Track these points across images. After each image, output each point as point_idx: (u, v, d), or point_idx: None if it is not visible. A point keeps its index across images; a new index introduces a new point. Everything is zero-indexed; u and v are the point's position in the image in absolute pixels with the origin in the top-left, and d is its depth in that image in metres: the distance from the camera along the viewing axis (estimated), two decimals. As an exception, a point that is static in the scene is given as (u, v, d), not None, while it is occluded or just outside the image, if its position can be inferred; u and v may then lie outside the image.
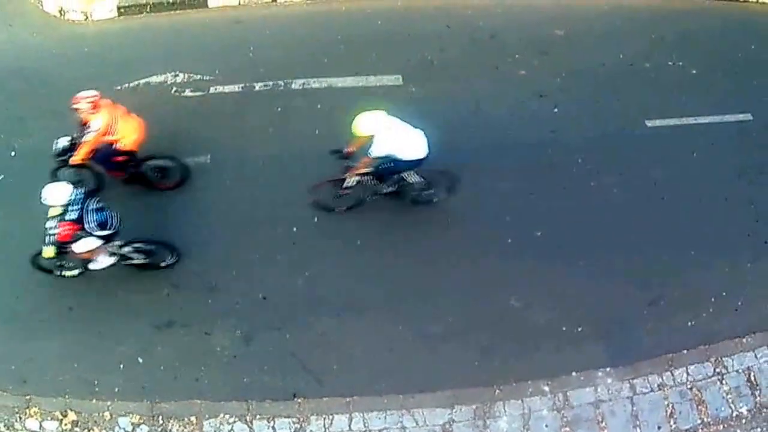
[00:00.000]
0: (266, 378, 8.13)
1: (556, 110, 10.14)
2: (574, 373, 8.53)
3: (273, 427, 7.94)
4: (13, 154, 9.38)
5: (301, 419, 7.96)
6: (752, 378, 9.05)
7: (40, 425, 7.85)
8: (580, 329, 8.77)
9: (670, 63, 10.66)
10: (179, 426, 7.93)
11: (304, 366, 8.22)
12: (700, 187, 9.97)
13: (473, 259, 8.99)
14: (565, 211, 9.42)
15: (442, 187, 9.01)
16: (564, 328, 8.73)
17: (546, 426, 8.26)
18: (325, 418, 7.97)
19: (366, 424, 8.00)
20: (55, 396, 7.94)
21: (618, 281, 9.14)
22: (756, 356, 9.19)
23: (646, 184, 9.78)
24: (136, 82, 9.85)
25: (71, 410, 7.89)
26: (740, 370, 9.05)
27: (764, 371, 9.11)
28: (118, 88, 9.63)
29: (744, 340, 9.22)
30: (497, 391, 8.32)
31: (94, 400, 7.93)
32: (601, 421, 8.39)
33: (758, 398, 8.95)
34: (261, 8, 10.99)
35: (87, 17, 10.73)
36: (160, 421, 7.92)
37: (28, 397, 7.93)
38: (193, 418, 7.94)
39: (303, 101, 9.83)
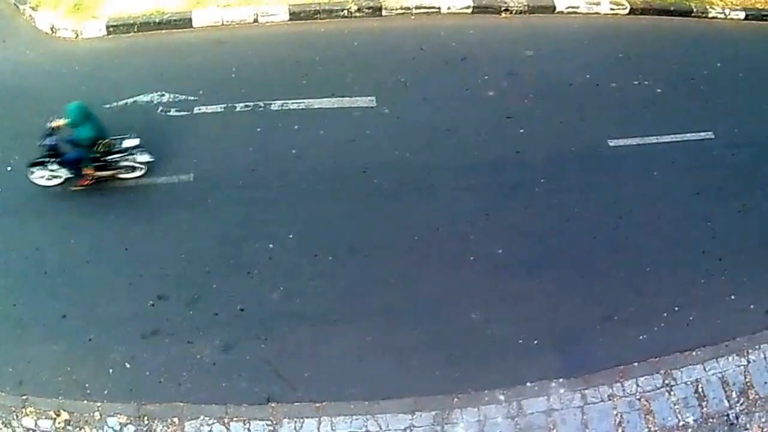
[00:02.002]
0: (243, 384, 8.74)
1: (522, 131, 10.64)
2: (528, 383, 9.13)
3: (248, 429, 8.56)
4: (9, 169, 9.92)
5: (274, 422, 8.59)
6: (700, 389, 9.65)
7: (36, 423, 8.48)
8: (536, 342, 9.37)
9: (635, 82, 11.08)
10: (163, 426, 8.58)
11: (278, 373, 8.84)
12: (658, 205, 10.49)
13: (438, 275, 9.58)
14: (526, 229, 9.98)
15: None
16: (521, 341, 9.33)
17: (503, 433, 8.91)
18: (296, 422, 8.59)
19: (333, 428, 8.62)
20: (49, 397, 8.54)
21: (574, 297, 9.72)
22: (705, 369, 9.79)
23: (605, 203, 10.32)
24: (125, 102, 10.41)
25: (64, 410, 8.51)
26: (688, 382, 9.64)
27: (712, 383, 9.71)
28: (108, 106, 10.21)
29: (694, 353, 9.81)
30: (455, 399, 8.93)
31: (85, 401, 8.55)
32: (553, 429, 9.00)
33: (705, 409, 9.55)
34: (243, 28, 11.55)
35: (77, 35, 11.27)
36: (146, 422, 8.55)
37: (24, 397, 8.55)
38: (175, 419, 8.57)
39: (281, 122, 10.39)
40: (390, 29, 11.49)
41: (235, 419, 8.57)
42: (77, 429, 8.46)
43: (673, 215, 10.49)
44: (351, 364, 9.00)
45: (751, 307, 10.24)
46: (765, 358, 10.06)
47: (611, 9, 12.36)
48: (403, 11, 11.93)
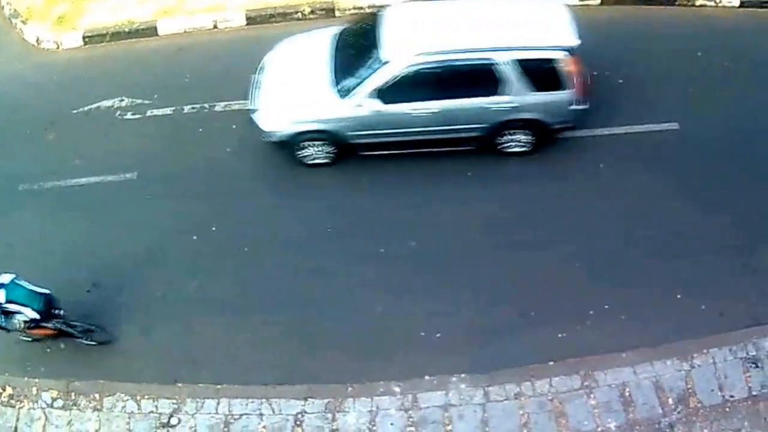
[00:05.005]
0: (156, 364, 9.40)
1: None
2: (427, 377, 9.04)
3: (156, 406, 9.18)
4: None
5: (179, 401, 9.15)
6: (627, 394, 9.02)
7: (-16, 397, 9.57)
8: (438, 335, 9.24)
9: (595, 72, 10.56)
10: (86, 401, 9.37)
11: (187, 356, 9.42)
12: (603, 197, 9.95)
13: (348, 268, 9.76)
14: (446, 221, 9.88)
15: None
16: (423, 334, 9.24)
17: (392, 424, 8.85)
18: (197, 401, 9.11)
19: (230, 409, 9.05)
20: (-2, 374, 9.55)
21: (489, 291, 9.49)
22: (635, 372, 9.14)
23: (546, 195, 9.97)
24: (89, 107, 11.42)
25: (9, 386, 9.47)
26: (613, 385, 9.06)
27: (642, 388, 9.05)
28: (75, 111, 11.32)
29: (623, 355, 9.20)
30: (350, 388, 9.04)
31: (25, 378, 9.48)
32: (448, 424, 8.83)
33: (631, 415, 8.92)
34: (204, 35, 12.32)
35: (58, 46, 12.53)
36: (73, 397, 9.37)
37: (-26, 374, 9.55)
38: (96, 395, 9.34)
39: (221, 122, 11.05)
40: None
41: (146, 397, 9.23)
42: (18, 402, 9.38)
43: (619, 208, 9.92)
44: (255, 350, 9.42)
45: (702, 308, 9.43)
46: (714, 363, 9.23)
47: (580, 0, 11.90)
48: (355, 11, 12.16)
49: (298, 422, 8.91)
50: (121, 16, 12.39)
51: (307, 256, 9.93)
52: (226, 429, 8.91)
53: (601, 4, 11.86)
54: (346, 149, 10.26)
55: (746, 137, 10.39)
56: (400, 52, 9.53)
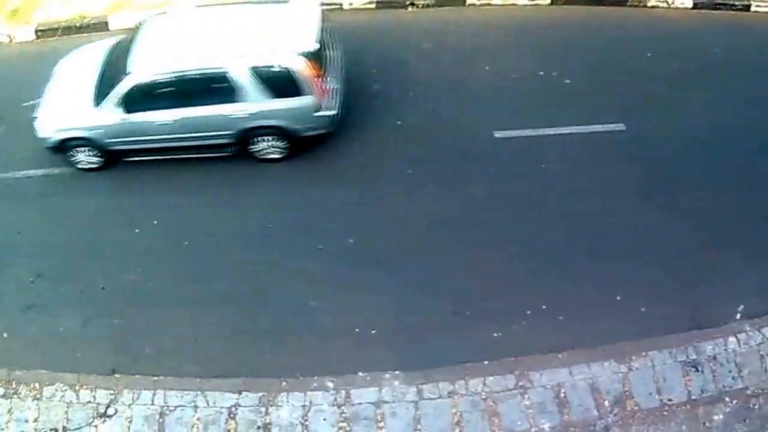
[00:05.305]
0: (95, 355, 9.44)
1: (399, 123, 10.50)
2: (360, 373, 9.03)
3: (94, 396, 9.21)
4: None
5: (116, 392, 9.18)
6: (562, 395, 8.97)
7: (-69, 384, 9.60)
8: (374, 332, 9.23)
9: (541, 73, 10.55)
10: (26, 390, 9.41)
11: (126, 348, 9.46)
12: (543, 198, 9.91)
13: (286, 263, 9.77)
14: (384, 219, 9.87)
15: None
16: (357, 330, 9.23)
17: (324, 420, 8.84)
18: (134, 392, 9.14)
19: (165, 401, 9.07)
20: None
21: (425, 289, 9.48)
22: (570, 373, 9.09)
23: (481, 195, 9.93)
24: (39, 101, 11.25)
25: (-46, 373, 9.55)
26: (548, 386, 9.01)
27: (578, 389, 9.00)
28: (25, 104, 11.36)
29: (559, 355, 9.15)
30: (283, 382, 9.04)
31: (-31, 367, 9.53)
32: (380, 421, 8.81)
33: (566, 416, 8.88)
34: None
35: (11, 40, 12.67)
36: (14, 386, 9.42)
37: None
38: (36, 384, 9.38)
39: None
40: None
41: (84, 387, 9.28)
42: (-38, 389, 9.46)
43: (561, 208, 9.86)
44: (191, 343, 9.44)
45: (642, 309, 9.38)
46: (653, 366, 9.16)
47: (530, 0, 11.81)
48: None
49: (231, 415, 8.93)
50: (73, 11, 12.53)
51: (245, 248, 9.95)
52: (161, 420, 8.94)
53: (552, 3, 11.79)
54: (112, 155, 10.58)
55: (693, 139, 10.34)
56: (138, 64, 9.95)
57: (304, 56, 9.54)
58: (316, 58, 9.59)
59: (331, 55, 10.13)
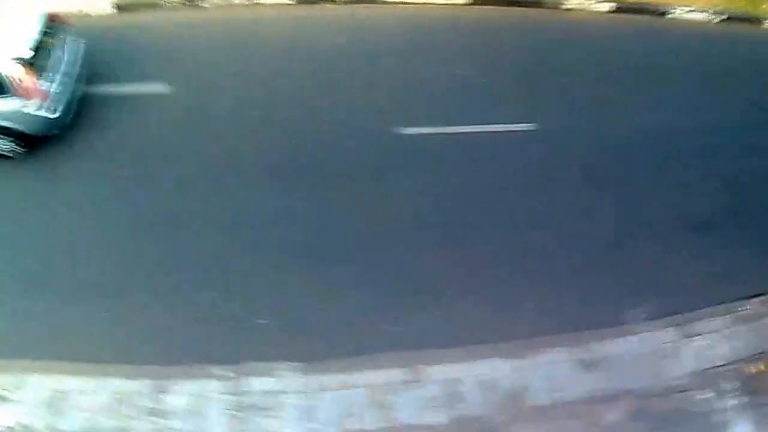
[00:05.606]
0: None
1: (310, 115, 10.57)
2: (257, 363, 9.04)
3: (-4, 380, 9.13)
4: None
5: (12, 375, 9.07)
6: (456, 390, 9.06)
7: None
8: (274, 323, 9.23)
9: (455, 72, 10.66)
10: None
11: (22, 333, 9.28)
12: (450, 195, 9.97)
13: (191, 252, 9.73)
14: (290, 211, 9.88)
15: None
16: (259, 321, 9.24)
17: (219, 408, 8.86)
18: (30, 376, 9.01)
19: (61, 385, 8.98)
20: None
21: (325, 284, 9.52)
22: (464, 368, 9.22)
23: (384, 192, 10.01)
24: None
25: None
26: (443, 381, 9.09)
27: (471, 384, 9.16)
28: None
29: (455, 351, 9.25)
30: (179, 369, 9.02)
31: None
32: (275, 410, 8.84)
33: (460, 411, 8.98)
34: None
35: None
36: None
37: None
38: None
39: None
40: (208, 20, 11.79)
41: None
42: None
43: (461, 205, 9.95)
44: (88, 329, 9.35)
45: (539, 308, 9.53)
46: (548, 364, 9.28)
47: (448, -1, 11.92)
48: (222, 3, 12.14)
49: (126, 401, 8.89)
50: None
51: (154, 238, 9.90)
52: (56, 405, 8.88)
53: (469, 3, 11.88)
54: None
55: (602, 139, 10.48)
56: None
57: (16, 61, 9.94)
58: (30, 63, 10.01)
59: (61, 60, 10.48)
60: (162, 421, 8.66)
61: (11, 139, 10.44)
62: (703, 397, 9.49)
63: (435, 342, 9.21)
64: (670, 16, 11.66)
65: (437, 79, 10.80)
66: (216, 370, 9.02)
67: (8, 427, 8.71)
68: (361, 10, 11.80)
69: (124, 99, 10.65)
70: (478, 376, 9.15)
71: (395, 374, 9.09)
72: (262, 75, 11.13)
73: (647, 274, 9.67)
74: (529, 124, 10.47)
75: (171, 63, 11.12)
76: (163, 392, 8.97)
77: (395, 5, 11.74)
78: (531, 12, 11.76)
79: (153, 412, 8.78)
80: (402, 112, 10.57)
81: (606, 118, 10.62)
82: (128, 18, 11.94)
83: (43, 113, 10.33)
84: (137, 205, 9.92)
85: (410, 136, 10.36)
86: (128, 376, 9.05)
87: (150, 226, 9.85)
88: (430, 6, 11.54)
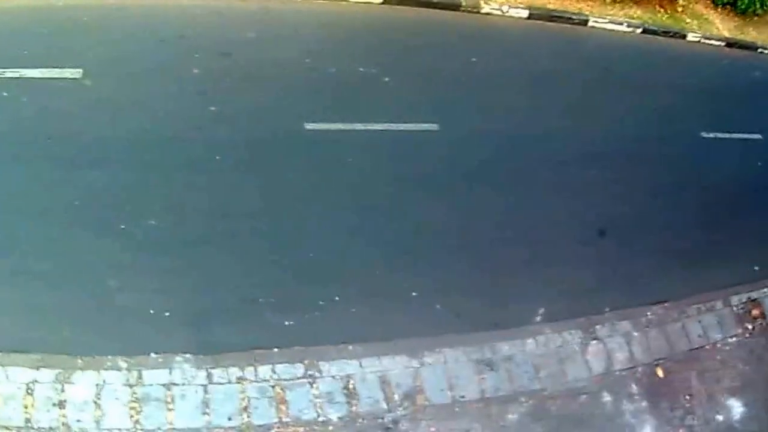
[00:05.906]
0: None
1: (213, 108, 10.53)
2: (152, 354, 9.22)
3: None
4: None
5: None
6: (351, 386, 9.16)
7: None
8: (167, 314, 9.39)
9: (361, 69, 10.59)
10: None
11: None
12: (349, 192, 9.97)
13: (90, 241, 9.74)
14: (191, 204, 9.98)
15: None
16: (152, 311, 9.38)
17: (117, 399, 9.05)
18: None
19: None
20: None
21: (222, 276, 9.62)
22: (361, 365, 9.28)
23: (288, 186, 10.05)
24: None
25: None
26: (337, 377, 9.22)
27: (367, 381, 9.22)
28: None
29: (350, 347, 9.34)
30: (80, 360, 9.22)
31: None
32: (170, 402, 9.04)
33: (354, 408, 9.10)
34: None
35: None
36: None
37: None
38: None
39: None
40: (125, 9, 11.70)
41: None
42: None
43: (363, 203, 9.93)
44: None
45: (437, 306, 9.54)
46: (446, 363, 9.34)
47: (362, -2, 11.76)
48: None
49: (29, 391, 9.10)
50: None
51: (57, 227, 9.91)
52: (-45, 393, 9.13)
53: (383, 3, 11.75)
54: None
55: (505, 142, 10.42)
56: None
57: None
58: None
59: None
60: (59, 410, 8.87)
61: None
62: (605, 399, 9.46)
63: (331, 338, 9.28)
64: (588, 25, 11.54)
65: (343, 75, 10.74)
66: (114, 361, 9.19)
67: None
68: (273, 4, 11.70)
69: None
70: (373, 372, 9.24)
71: (290, 369, 9.20)
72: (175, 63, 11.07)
73: (552, 277, 9.61)
74: (431, 125, 10.41)
75: (74, 50, 11.00)
76: (66, 383, 9.14)
77: (310, 1, 11.66)
78: (447, 15, 11.66)
79: (56, 403, 8.90)
80: (305, 107, 10.53)
81: (511, 123, 10.57)
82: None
83: None
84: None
85: (312, 131, 10.33)
86: (31, 366, 9.17)
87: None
88: (345, 4, 11.45)
